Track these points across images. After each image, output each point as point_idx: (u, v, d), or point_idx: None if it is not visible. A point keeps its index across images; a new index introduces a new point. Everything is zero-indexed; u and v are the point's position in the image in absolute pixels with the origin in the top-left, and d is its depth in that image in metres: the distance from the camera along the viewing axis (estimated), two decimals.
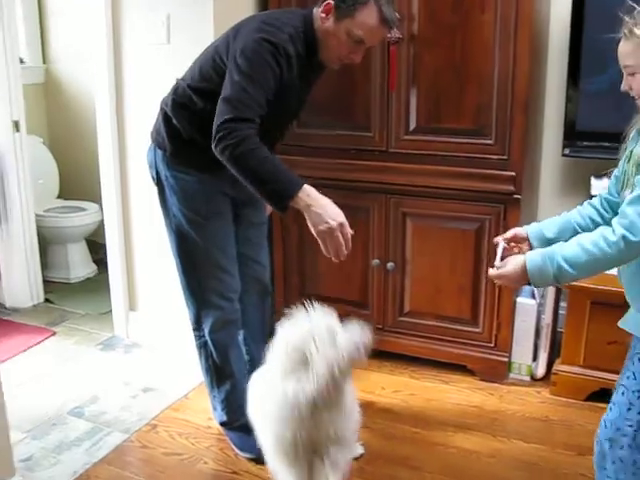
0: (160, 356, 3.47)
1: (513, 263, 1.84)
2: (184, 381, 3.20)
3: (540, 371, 3.22)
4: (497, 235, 2.95)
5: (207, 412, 2.87)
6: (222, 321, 2.58)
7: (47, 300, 4.22)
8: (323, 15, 2.29)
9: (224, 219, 2.54)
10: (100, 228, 4.03)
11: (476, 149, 3.01)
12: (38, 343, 3.64)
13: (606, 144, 2.80)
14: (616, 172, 1.89)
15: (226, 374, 2.64)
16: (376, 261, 3.28)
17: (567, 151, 3.07)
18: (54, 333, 3.76)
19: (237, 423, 2.67)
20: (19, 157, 3.99)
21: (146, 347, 3.57)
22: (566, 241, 1.78)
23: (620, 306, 1.89)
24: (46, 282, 4.31)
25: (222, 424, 2.76)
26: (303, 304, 1.93)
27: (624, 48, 1.73)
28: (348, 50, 2.33)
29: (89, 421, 2.91)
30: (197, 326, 2.62)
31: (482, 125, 2.98)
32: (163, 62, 3.17)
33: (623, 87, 1.78)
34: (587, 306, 2.89)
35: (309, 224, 2.14)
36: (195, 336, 2.65)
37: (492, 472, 2.59)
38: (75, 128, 4.88)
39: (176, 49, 3.12)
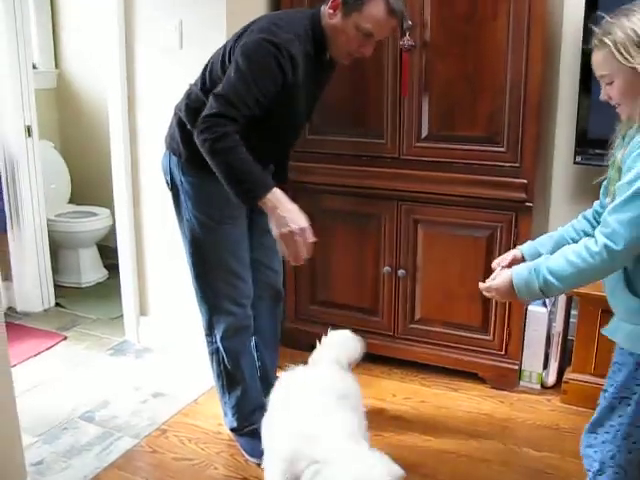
0: (170, 361, 3.48)
1: (502, 276, 1.87)
2: (194, 386, 3.20)
3: (551, 379, 3.21)
4: (509, 242, 3.00)
5: (217, 417, 2.87)
6: (234, 327, 2.58)
7: (58, 305, 4.23)
8: (331, 11, 2.30)
9: (238, 225, 2.54)
10: (111, 233, 4.04)
11: (488, 157, 3.00)
12: (49, 348, 3.65)
13: None
14: (605, 181, 1.90)
15: (237, 380, 2.65)
16: (387, 268, 3.27)
17: (579, 159, 3.06)
18: (65, 338, 3.77)
19: (247, 429, 2.67)
20: (31, 162, 4.01)
21: (157, 352, 3.58)
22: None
23: None
24: (57, 287, 4.33)
25: (232, 430, 2.76)
26: None
27: (596, 58, 1.75)
28: (358, 44, 2.33)
29: (100, 426, 2.92)
30: (209, 332, 2.62)
31: (494, 133, 2.98)
32: (175, 67, 3.18)
33: (602, 97, 1.79)
34: (598, 314, 2.87)
35: (272, 225, 2.22)
36: (207, 342, 2.65)
37: None
38: (87, 133, 4.90)
39: (188, 54, 3.13)
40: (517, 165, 2.96)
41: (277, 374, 2.81)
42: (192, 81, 2.49)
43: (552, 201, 3.35)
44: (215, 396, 2.80)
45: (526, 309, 3.13)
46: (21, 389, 2.95)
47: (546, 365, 3.21)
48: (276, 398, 2.19)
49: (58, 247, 4.49)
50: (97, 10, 3.50)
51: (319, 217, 3.29)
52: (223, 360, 2.63)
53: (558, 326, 3.15)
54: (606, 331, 1.90)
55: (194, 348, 3.26)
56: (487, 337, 3.20)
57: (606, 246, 1.63)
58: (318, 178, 3.25)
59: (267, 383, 2.63)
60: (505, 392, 3.18)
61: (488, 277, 1.93)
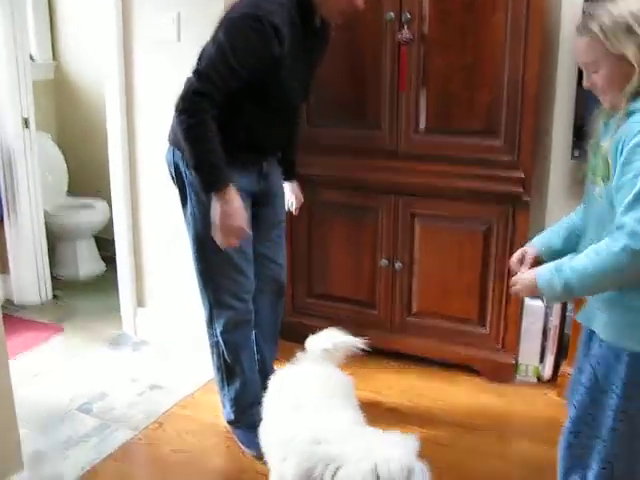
0: (168, 353, 3.48)
1: (531, 272, 1.81)
2: (191, 379, 3.21)
3: (547, 373, 3.22)
4: (505, 236, 3.00)
5: (214, 410, 2.88)
6: (235, 321, 2.59)
7: (55, 297, 4.24)
8: None
9: None
10: (109, 225, 4.03)
11: (485, 150, 3.01)
12: (46, 340, 3.65)
13: None
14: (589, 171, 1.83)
15: (236, 373, 2.65)
16: (384, 261, 3.28)
17: (577, 153, 3.06)
18: (62, 330, 3.78)
19: (244, 421, 2.68)
20: (28, 154, 4.00)
21: (154, 344, 3.58)
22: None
23: None
24: (54, 279, 4.33)
25: (229, 422, 2.77)
26: None
27: (580, 45, 1.70)
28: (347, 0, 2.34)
29: (97, 417, 2.93)
30: (210, 325, 2.63)
31: (491, 126, 2.98)
32: (173, 60, 3.17)
33: (585, 84, 1.75)
34: None
35: (212, 213, 2.31)
36: (208, 335, 2.66)
37: (499, 473, 2.59)
38: (84, 125, 4.88)
39: (186, 47, 3.12)
40: (514, 159, 2.96)
41: (274, 367, 2.82)
42: (189, 74, 2.48)
43: (549, 195, 3.35)
44: (212, 388, 2.81)
45: (522, 303, 3.14)
46: (18, 381, 2.94)
47: (542, 358, 3.21)
48: (270, 404, 2.24)
49: (55, 239, 4.48)
50: (95, 2, 3.49)
51: (316, 210, 3.31)
52: (223, 353, 2.63)
53: (555, 320, 3.15)
54: (580, 317, 1.87)
55: (191, 341, 3.27)
56: (484, 330, 3.20)
57: (626, 247, 1.54)
58: (316, 171, 3.24)
59: (266, 376, 2.63)
60: (501, 385, 3.19)
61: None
